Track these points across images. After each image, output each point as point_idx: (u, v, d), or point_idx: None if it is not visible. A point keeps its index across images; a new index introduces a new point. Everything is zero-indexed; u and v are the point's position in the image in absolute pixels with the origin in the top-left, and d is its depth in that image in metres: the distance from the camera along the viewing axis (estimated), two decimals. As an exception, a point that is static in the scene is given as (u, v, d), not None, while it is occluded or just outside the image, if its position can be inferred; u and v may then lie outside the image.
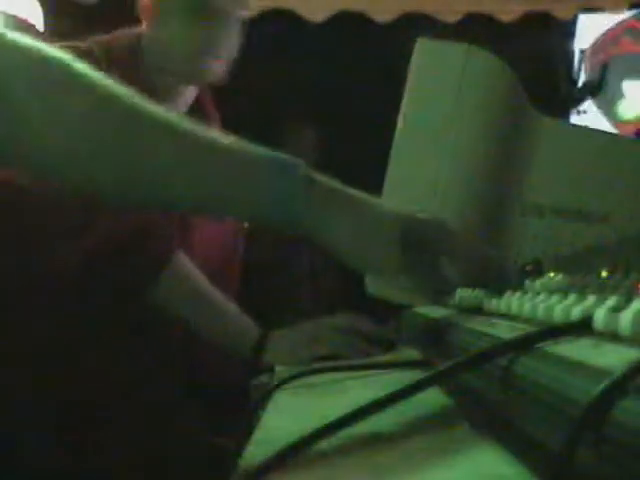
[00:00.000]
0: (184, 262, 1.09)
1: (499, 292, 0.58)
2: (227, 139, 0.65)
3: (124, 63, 1.21)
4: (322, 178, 0.67)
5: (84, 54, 1.08)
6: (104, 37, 1.29)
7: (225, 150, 0.64)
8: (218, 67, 1.25)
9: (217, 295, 1.10)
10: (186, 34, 1.24)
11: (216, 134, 0.65)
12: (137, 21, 1.31)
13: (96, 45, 1.22)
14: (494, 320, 0.53)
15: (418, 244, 0.70)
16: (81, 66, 0.61)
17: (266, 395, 0.69)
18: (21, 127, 0.59)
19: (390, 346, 1.03)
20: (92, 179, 0.64)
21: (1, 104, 0.58)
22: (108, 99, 0.61)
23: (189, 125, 0.64)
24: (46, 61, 0.60)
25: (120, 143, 0.62)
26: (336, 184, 0.68)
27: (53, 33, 2.41)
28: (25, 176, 0.96)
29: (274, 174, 0.64)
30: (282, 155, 0.66)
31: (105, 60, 1.17)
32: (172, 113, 0.64)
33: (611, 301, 0.36)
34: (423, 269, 0.71)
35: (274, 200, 0.64)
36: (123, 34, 1.32)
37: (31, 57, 0.59)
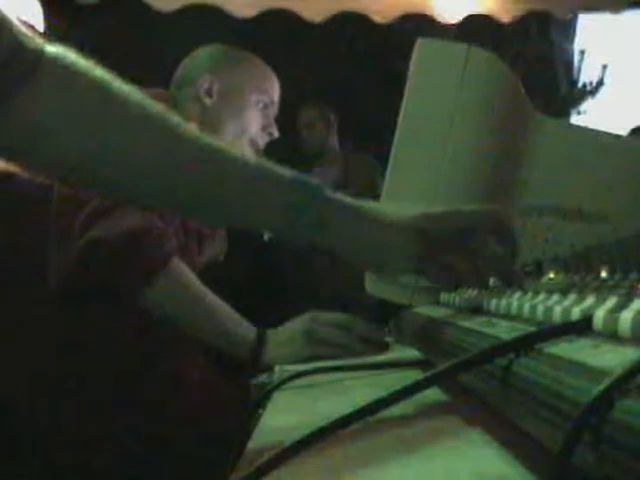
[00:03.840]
0: (180, 265, 1.09)
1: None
2: (248, 157, 0.68)
3: None
4: (340, 196, 0.70)
5: None
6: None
7: (246, 166, 0.67)
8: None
9: (213, 297, 1.10)
10: (248, 120, 1.39)
11: (236, 151, 0.68)
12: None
13: None
14: (494, 320, 0.53)
15: (439, 240, 0.72)
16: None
17: (266, 395, 0.69)
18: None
19: (385, 346, 1.03)
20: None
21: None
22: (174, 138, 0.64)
23: (215, 141, 0.67)
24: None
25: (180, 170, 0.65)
26: (352, 201, 0.71)
27: (53, 33, 2.41)
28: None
29: (293, 191, 0.67)
30: (301, 175, 0.69)
31: None
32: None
33: (611, 301, 0.36)
34: (439, 270, 0.73)
35: (291, 216, 0.67)
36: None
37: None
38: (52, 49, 0.61)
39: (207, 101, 1.41)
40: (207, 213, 0.71)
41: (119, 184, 0.66)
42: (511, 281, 0.67)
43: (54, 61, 0.60)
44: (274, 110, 1.47)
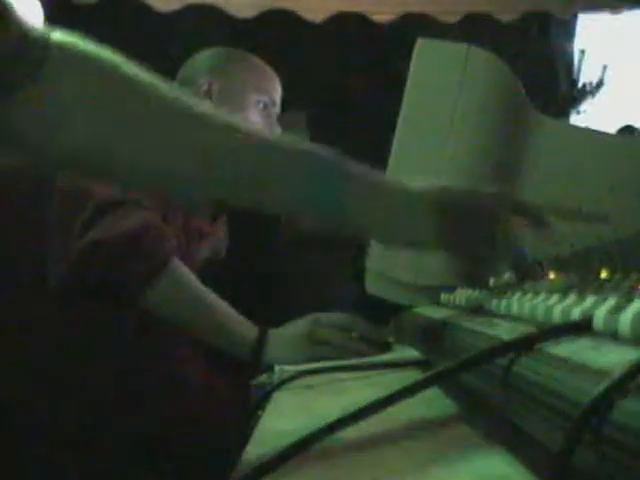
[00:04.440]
0: (180, 266, 1.09)
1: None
2: (267, 134, 0.68)
3: None
4: (362, 168, 0.69)
5: None
6: None
7: (267, 144, 0.66)
8: None
9: (213, 297, 1.10)
10: (248, 120, 1.36)
11: (254, 127, 0.67)
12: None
13: None
14: (494, 320, 0.53)
15: (459, 216, 0.71)
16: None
17: (266, 395, 0.69)
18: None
19: (386, 346, 1.03)
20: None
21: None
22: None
23: (233, 119, 0.66)
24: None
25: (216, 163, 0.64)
26: (374, 173, 0.70)
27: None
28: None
29: (316, 167, 0.66)
30: (322, 149, 0.67)
31: None
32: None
33: (611, 301, 0.36)
34: (465, 245, 0.72)
35: (317, 193, 0.66)
36: None
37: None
38: (58, 36, 0.60)
39: (207, 103, 1.41)
40: (226, 193, 0.69)
41: (138, 171, 0.64)
42: (524, 271, 0.67)
43: (61, 48, 0.59)
44: (276, 110, 1.47)
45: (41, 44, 0.59)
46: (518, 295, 0.54)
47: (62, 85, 0.59)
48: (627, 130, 3.08)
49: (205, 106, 0.65)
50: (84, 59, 0.60)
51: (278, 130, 1.48)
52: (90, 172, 0.71)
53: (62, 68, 0.59)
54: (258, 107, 1.42)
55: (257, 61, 1.48)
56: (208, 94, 1.41)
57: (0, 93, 0.57)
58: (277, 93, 1.47)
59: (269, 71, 1.47)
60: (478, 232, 0.72)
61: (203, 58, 1.48)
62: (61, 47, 0.60)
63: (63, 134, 0.60)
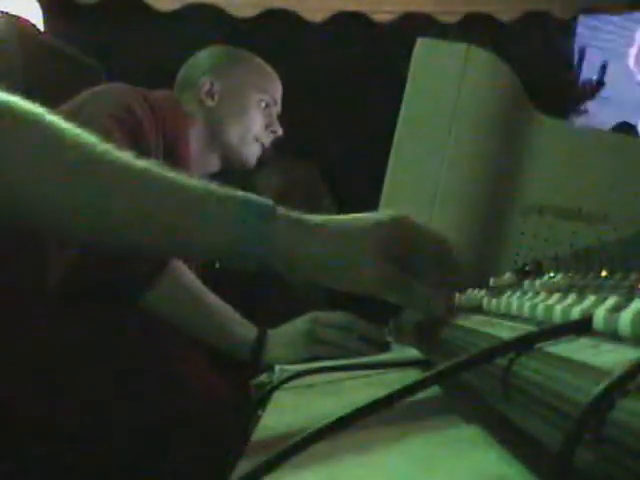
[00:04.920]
0: (180, 266, 1.09)
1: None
2: (192, 180, 0.65)
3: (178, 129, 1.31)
4: (288, 212, 0.67)
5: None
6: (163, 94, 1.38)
7: (192, 188, 0.64)
8: (258, 153, 1.40)
9: (213, 298, 1.10)
10: (250, 119, 1.41)
11: (181, 175, 0.65)
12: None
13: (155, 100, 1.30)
14: (494, 320, 0.53)
15: (400, 249, 0.68)
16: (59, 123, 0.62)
17: (266, 395, 0.69)
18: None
19: (385, 346, 1.03)
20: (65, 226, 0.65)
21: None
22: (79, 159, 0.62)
23: (151, 165, 0.64)
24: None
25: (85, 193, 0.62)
26: (303, 215, 0.68)
27: (53, 33, 2.41)
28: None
29: (242, 211, 0.64)
30: (248, 194, 0.66)
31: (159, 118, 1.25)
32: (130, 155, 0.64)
33: (611, 301, 0.36)
34: (407, 284, 0.68)
35: (241, 237, 0.64)
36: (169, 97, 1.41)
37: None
38: None
39: (209, 102, 1.41)
40: (148, 242, 0.67)
41: (68, 224, 0.64)
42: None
43: None
44: (277, 109, 1.47)
45: None
46: (518, 295, 0.54)
47: None
48: (623, 127, 3.08)
49: (125, 153, 0.64)
50: (14, 109, 0.60)
51: (279, 130, 1.48)
52: (19, 225, 0.71)
53: None
54: (260, 106, 1.43)
55: (258, 60, 1.48)
56: (210, 93, 1.41)
57: None
58: (278, 92, 1.48)
59: (270, 70, 1.48)
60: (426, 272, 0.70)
61: (204, 57, 1.48)
62: None
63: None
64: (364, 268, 0.67)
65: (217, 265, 0.66)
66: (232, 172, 1.48)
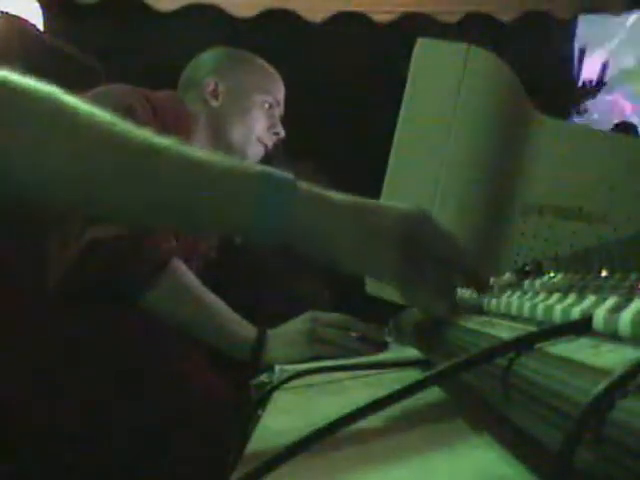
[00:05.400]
0: (180, 266, 1.09)
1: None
2: (212, 155, 0.65)
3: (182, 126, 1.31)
4: (311, 187, 0.66)
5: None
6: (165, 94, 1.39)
7: (212, 165, 0.64)
8: (261, 154, 1.41)
9: (213, 298, 1.10)
10: (254, 120, 1.41)
11: (201, 151, 0.65)
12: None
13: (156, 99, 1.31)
14: (494, 320, 0.53)
15: (417, 245, 0.68)
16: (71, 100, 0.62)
17: (266, 395, 0.69)
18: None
19: (383, 346, 1.04)
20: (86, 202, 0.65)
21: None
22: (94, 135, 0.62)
23: (172, 143, 0.64)
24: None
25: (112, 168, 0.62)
26: (326, 191, 0.67)
27: (53, 33, 2.41)
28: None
29: (261, 186, 0.64)
30: (268, 168, 0.65)
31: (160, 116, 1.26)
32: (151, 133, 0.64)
33: (611, 301, 0.36)
34: (422, 276, 0.68)
35: (262, 213, 0.63)
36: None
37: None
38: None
39: (213, 102, 1.42)
40: (170, 219, 0.67)
41: (74, 198, 0.64)
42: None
43: (1, 84, 0.60)
44: (280, 110, 1.48)
45: None
46: (518, 295, 0.54)
47: (4, 114, 0.59)
48: (622, 126, 3.08)
49: (144, 130, 0.63)
50: (24, 89, 0.60)
51: (282, 132, 1.48)
52: (27, 201, 0.70)
53: (3, 99, 0.59)
54: (263, 107, 1.43)
55: (261, 62, 1.49)
56: (214, 94, 1.42)
57: None
58: (281, 94, 1.48)
59: (273, 72, 1.48)
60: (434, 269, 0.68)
61: (207, 58, 1.49)
62: (1, 81, 0.60)
63: (9, 162, 0.60)
64: (384, 256, 0.66)
65: (237, 241, 0.65)
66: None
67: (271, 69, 1.49)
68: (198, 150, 0.65)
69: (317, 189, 0.66)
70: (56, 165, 0.61)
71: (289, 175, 0.65)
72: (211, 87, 1.42)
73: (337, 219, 0.66)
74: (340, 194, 0.68)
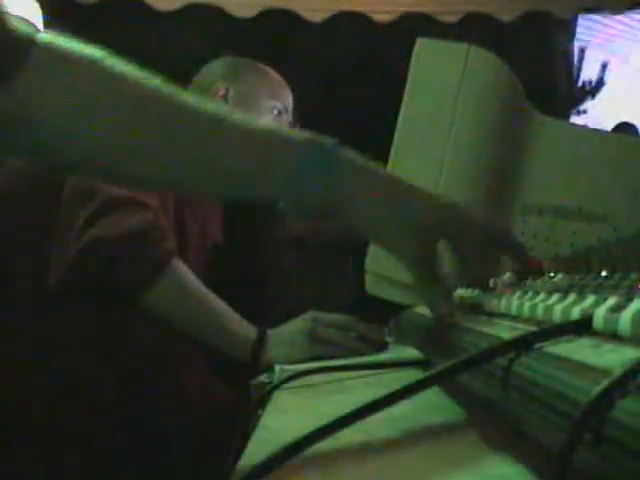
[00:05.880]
0: (180, 266, 1.09)
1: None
2: (257, 121, 0.66)
3: None
4: (355, 155, 0.67)
5: None
6: None
7: (257, 132, 0.64)
8: None
9: (213, 297, 1.10)
10: None
11: (246, 116, 0.65)
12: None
13: None
14: (494, 320, 0.53)
15: (445, 235, 0.68)
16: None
17: (266, 395, 0.69)
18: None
19: (383, 346, 1.04)
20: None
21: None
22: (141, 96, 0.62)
23: (217, 107, 0.64)
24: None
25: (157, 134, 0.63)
26: (368, 162, 0.67)
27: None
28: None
29: (306, 152, 0.64)
30: (313, 135, 0.66)
31: None
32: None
33: (611, 301, 0.36)
34: (433, 274, 0.68)
35: (305, 179, 0.64)
36: None
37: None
38: (43, 35, 0.60)
39: None
40: (212, 184, 0.68)
41: (121, 166, 0.64)
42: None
43: (45, 47, 0.59)
44: (288, 117, 1.49)
45: (27, 39, 0.59)
46: (518, 294, 0.54)
47: (44, 83, 0.59)
48: (623, 127, 3.08)
49: (192, 95, 0.64)
50: (69, 54, 0.60)
51: None
52: (75, 169, 0.70)
53: (46, 63, 0.59)
54: (272, 113, 1.45)
55: (269, 70, 1.51)
56: (225, 99, 1.43)
57: None
58: (289, 101, 1.50)
59: (281, 80, 1.50)
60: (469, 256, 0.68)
61: (218, 65, 1.52)
62: (46, 43, 0.60)
63: (45, 133, 0.60)
64: (412, 239, 0.66)
65: (280, 205, 0.66)
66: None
67: (280, 77, 1.51)
68: (243, 115, 0.65)
69: (361, 158, 0.67)
70: (100, 133, 0.61)
71: (334, 142, 0.66)
72: (221, 92, 1.43)
73: (375, 191, 0.66)
74: (382, 169, 0.68)
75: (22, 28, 0.59)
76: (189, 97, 0.63)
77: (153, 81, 0.62)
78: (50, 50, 0.60)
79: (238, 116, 0.65)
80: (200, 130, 0.63)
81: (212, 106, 0.64)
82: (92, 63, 0.61)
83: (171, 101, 0.62)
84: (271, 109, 1.45)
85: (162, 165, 0.64)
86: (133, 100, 0.62)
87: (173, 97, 0.63)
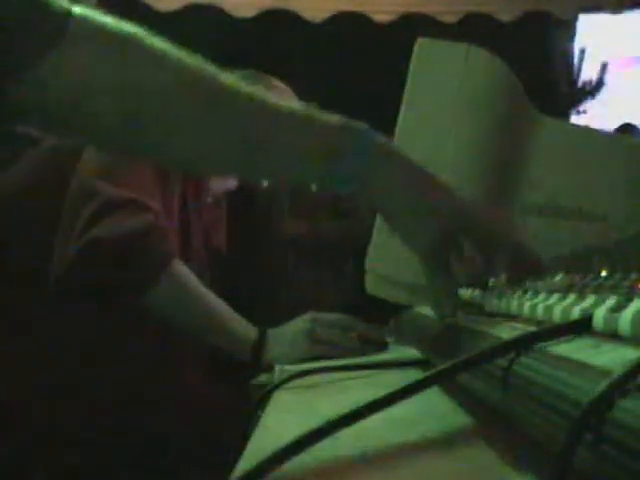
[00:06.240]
0: (181, 267, 1.09)
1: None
2: (293, 105, 0.66)
3: None
4: (387, 142, 0.68)
5: None
6: None
7: (293, 114, 0.65)
8: None
9: (213, 297, 1.10)
10: None
11: (281, 99, 0.66)
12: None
13: None
14: (494, 320, 0.53)
15: (462, 231, 0.68)
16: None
17: (266, 395, 0.69)
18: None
19: (383, 345, 1.04)
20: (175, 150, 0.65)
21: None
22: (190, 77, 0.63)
23: (254, 90, 0.65)
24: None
25: (200, 115, 0.63)
26: (398, 149, 0.68)
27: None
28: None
29: (341, 136, 0.65)
30: (347, 119, 0.66)
31: None
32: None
33: (611, 301, 0.36)
34: (445, 268, 0.68)
35: (340, 162, 0.64)
36: None
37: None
38: (79, 9, 0.60)
39: None
40: (257, 166, 0.68)
41: (160, 143, 0.64)
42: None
43: (82, 20, 0.59)
44: None
45: (62, 13, 0.58)
46: (518, 294, 0.54)
47: (82, 57, 0.59)
48: (626, 128, 3.08)
49: (232, 78, 0.64)
50: (105, 29, 0.60)
51: None
52: (112, 145, 0.70)
53: (84, 37, 0.59)
54: None
55: (277, 82, 1.52)
56: None
57: (21, 62, 0.56)
58: None
59: (289, 91, 1.51)
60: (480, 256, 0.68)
61: None
62: (82, 17, 0.59)
63: (85, 107, 0.60)
64: (431, 230, 0.67)
65: (313, 188, 0.67)
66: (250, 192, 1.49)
67: (287, 89, 1.52)
68: (276, 98, 0.65)
69: (392, 144, 0.68)
70: (144, 109, 0.61)
71: (365, 126, 0.67)
72: None
73: (403, 176, 0.67)
74: (412, 158, 0.69)
75: (57, 2, 0.58)
76: (229, 77, 0.64)
77: (195, 59, 0.63)
78: (85, 25, 0.60)
79: (271, 96, 0.65)
80: (244, 110, 0.64)
81: (250, 88, 0.64)
82: (130, 38, 0.61)
83: (214, 80, 0.63)
84: None
85: (205, 145, 0.65)
86: (176, 77, 0.62)
87: (216, 77, 0.63)
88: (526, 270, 0.66)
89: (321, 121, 0.65)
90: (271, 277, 1.69)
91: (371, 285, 0.96)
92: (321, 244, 1.83)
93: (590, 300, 0.39)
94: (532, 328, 0.41)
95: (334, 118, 0.66)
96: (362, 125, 0.66)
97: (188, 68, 0.62)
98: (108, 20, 0.61)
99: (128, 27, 0.62)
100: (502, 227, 0.72)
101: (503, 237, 0.71)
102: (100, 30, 0.60)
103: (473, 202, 0.71)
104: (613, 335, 0.34)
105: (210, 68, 0.63)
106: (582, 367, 0.31)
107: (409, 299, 0.92)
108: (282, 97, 1.52)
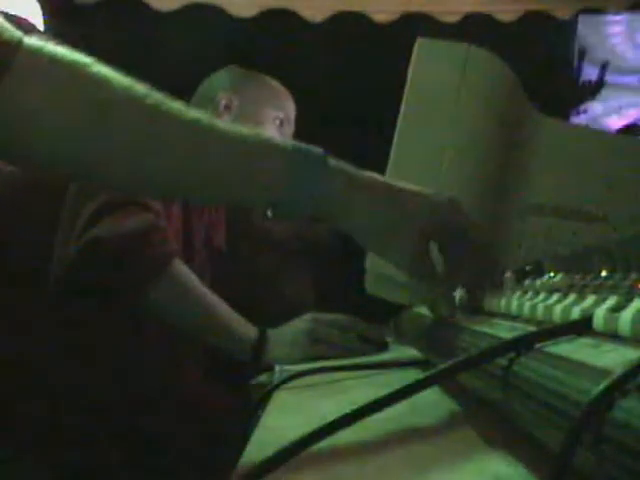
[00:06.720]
0: (181, 267, 1.09)
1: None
2: (243, 130, 0.66)
3: None
4: (343, 164, 0.67)
5: None
6: None
7: (243, 139, 0.65)
8: None
9: (213, 297, 1.10)
10: None
11: (231, 125, 0.66)
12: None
13: None
14: (494, 320, 0.53)
15: (443, 235, 0.68)
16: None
17: (266, 395, 0.69)
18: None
19: (383, 345, 1.04)
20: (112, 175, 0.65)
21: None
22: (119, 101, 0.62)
23: (204, 117, 0.65)
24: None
25: (138, 140, 0.63)
26: (356, 170, 0.68)
27: (53, 33, 2.41)
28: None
29: (294, 160, 0.65)
30: (301, 144, 0.67)
31: None
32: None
33: (611, 301, 0.36)
34: (431, 273, 0.69)
35: (293, 185, 0.65)
36: None
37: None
38: (30, 40, 0.60)
39: (226, 117, 1.43)
40: (201, 191, 0.68)
41: (106, 173, 0.64)
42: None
43: (32, 52, 0.59)
44: (290, 129, 1.50)
45: (11, 46, 0.58)
46: (518, 295, 0.54)
47: (28, 89, 0.59)
48: (629, 129, 3.07)
49: (178, 103, 0.64)
50: (53, 61, 0.60)
51: None
52: (64, 172, 0.71)
53: (29, 70, 0.59)
54: (275, 123, 1.46)
55: (273, 81, 1.52)
56: (227, 108, 1.44)
57: None
58: (292, 112, 1.51)
59: (284, 90, 1.51)
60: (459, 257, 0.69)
61: (222, 76, 1.53)
62: (31, 49, 0.59)
63: (29, 137, 0.60)
64: (406, 243, 0.67)
65: (269, 214, 0.67)
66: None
67: (282, 87, 1.52)
68: (230, 124, 0.66)
69: (350, 167, 0.68)
70: (82, 139, 0.61)
71: (319, 150, 0.67)
72: (225, 101, 1.44)
73: (369, 197, 0.67)
74: (368, 173, 0.69)
75: (8, 33, 0.59)
76: (175, 104, 0.63)
77: (140, 88, 0.63)
78: (32, 57, 0.59)
79: (224, 124, 0.65)
80: (187, 136, 0.64)
81: (197, 113, 0.64)
82: (76, 69, 0.61)
83: (158, 107, 0.63)
84: (273, 119, 1.46)
85: (147, 171, 0.65)
86: (118, 106, 0.62)
87: (160, 104, 0.63)
88: (477, 276, 0.67)
89: (273, 147, 0.66)
90: (270, 277, 1.69)
91: (371, 285, 0.96)
92: (320, 244, 1.82)
93: (590, 300, 0.39)
94: (532, 328, 0.41)
95: (288, 143, 0.66)
96: (316, 150, 0.66)
97: (133, 98, 0.62)
98: (57, 49, 0.61)
99: (77, 58, 0.61)
100: (471, 230, 0.71)
101: (464, 240, 0.71)
102: (47, 61, 0.60)
103: (452, 202, 0.70)
104: (613, 335, 0.34)
105: (156, 96, 0.63)
106: (582, 367, 0.31)
107: (409, 299, 0.92)
108: (277, 98, 1.51)
